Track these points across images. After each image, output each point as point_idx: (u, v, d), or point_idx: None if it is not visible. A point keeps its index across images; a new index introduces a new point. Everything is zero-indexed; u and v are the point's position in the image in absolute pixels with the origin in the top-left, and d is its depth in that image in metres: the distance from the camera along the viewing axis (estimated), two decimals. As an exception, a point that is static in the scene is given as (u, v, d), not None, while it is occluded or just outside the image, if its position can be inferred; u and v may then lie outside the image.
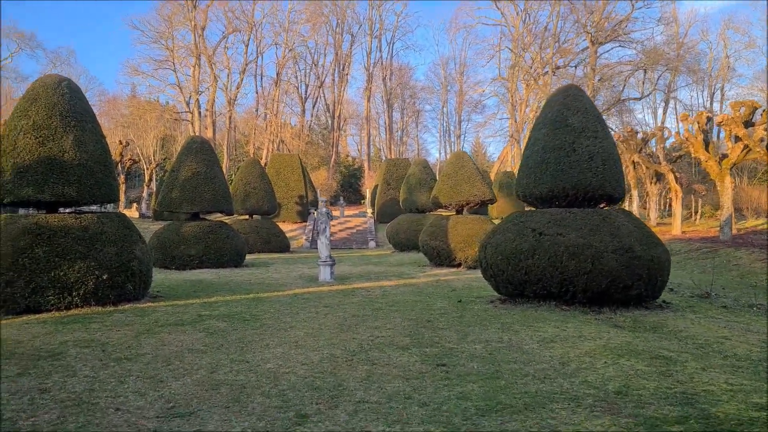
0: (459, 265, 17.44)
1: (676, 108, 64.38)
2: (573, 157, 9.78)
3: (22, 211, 13.57)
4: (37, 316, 8.89)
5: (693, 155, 21.63)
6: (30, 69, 72.35)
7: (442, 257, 17.64)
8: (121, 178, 37.51)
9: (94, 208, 12.94)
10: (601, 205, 10.34)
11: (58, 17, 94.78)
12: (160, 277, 14.89)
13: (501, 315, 8.99)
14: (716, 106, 58.62)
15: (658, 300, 10.05)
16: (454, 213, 20.09)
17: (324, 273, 14.23)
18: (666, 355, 6.38)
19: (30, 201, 9.77)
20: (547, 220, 9.59)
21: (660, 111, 60.25)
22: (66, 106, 10.16)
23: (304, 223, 35.26)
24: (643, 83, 51.51)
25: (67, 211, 10.66)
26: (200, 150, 18.25)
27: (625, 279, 8.99)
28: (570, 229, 9.28)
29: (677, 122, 62.70)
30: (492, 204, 19.12)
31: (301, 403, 4.79)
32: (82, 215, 9.92)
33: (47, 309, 9.11)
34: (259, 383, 5.34)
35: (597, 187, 9.69)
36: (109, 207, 31.69)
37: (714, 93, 60.65)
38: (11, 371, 5.65)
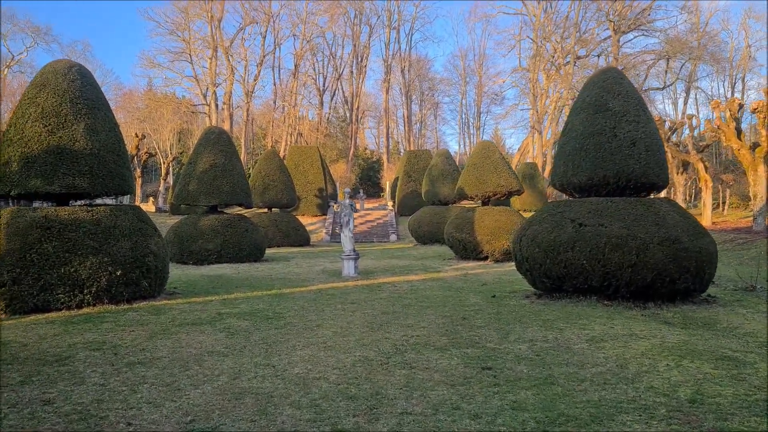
0: (486, 258, 16.79)
1: (696, 98, 62.78)
2: (614, 143, 9.08)
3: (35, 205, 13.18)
4: (45, 315, 8.44)
5: (725, 144, 20.67)
6: (46, 63, 72.81)
7: (468, 250, 17.00)
8: (137, 172, 37.32)
9: (108, 200, 12.51)
10: (642, 194, 9.62)
11: (74, 11, 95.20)
12: (177, 272, 14.46)
13: (540, 311, 8.35)
14: (738, 96, 56.95)
15: (703, 294, 9.33)
16: (479, 204, 19.44)
17: (348, 267, 13.67)
18: (731, 356, 5.72)
19: (39, 193, 9.32)
20: (587, 210, 8.92)
21: (681, 101, 58.77)
22: (77, 92, 9.70)
23: (323, 217, 34.78)
24: (666, 73, 50.08)
25: (79, 203, 10.21)
26: (218, 141, 17.78)
27: (672, 272, 8.30)
28: (612, 220, 8.60)
29: (698, 112, 61.13)
30: (519, 195, 18.42)
31: (337, 415, 4.22)
32: (94, 208, 9.46)
33: (57, 308, 8.66)
34: (288, 391, 4.79)
35: (640, 174, 8.98)
36: (125, 200, 31.50)
37: (735, 83, 58.97)
38: (13, 379, 5.16)
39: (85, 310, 8.76)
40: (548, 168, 46.45)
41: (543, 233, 9.13)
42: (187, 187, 17.35)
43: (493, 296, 9.99)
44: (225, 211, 18.96)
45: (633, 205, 8.67)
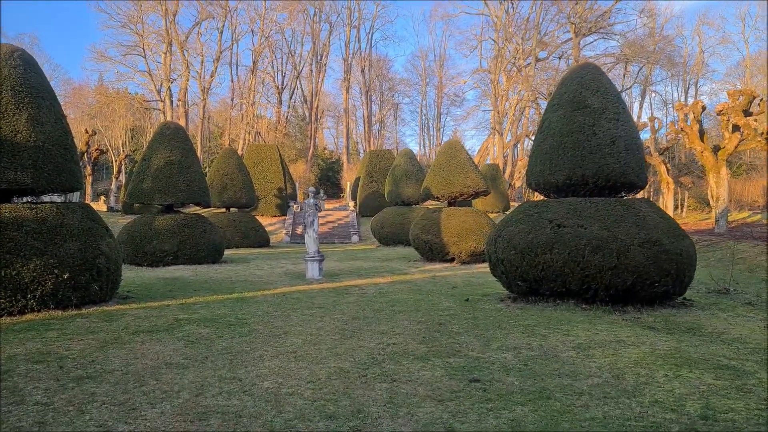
0: (452, 260, 16.51)
1: (651, 102, 64.51)
2: (593, 141, 8.87)
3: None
4: (-15, 322, 7.64)
5: (688, 146, 21.05)
6: (-8, 57, 69.20)
7: (434, 252, 16.69)
8: (88, 170, 35.64)
9: (55, 198, 11.63)
10: (621, 195, 9.46)
11: (21, 2, 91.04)
12: (130, 275, 13.63)
13: (518, 316, 8.04)
14: (690, 101, 58.80)
15: (679, 298, 9.21)
16: (444, 205, 19.18)
17: (312, 269, 13.13)
18: (728, 365, 5.49)
19: (-23, 189, 8.46)
20: (566, 211, 8.67)
21: (636, 105, 60.34)
22: (19, 80, 8.87)
23: (283, 217, 33.97)
24: (624, 76, 51.31)
25: (24, 200, 9.37)
26: (174, 137, 16.93)
27: (653, 275, 8.12)
28: (592, 221, 8.37)
29: (651, 115, 62.81)
30: (486, 195, 18.23)
31: (316, 440, 3.74)
32: (39, 206, 8.66)
33: (-2, 314, 7.86)
34: (258, 410, 4.27)
35: (620, 174, 8.79)
36: (75, 197, 30.00)
37: (688, 88, 60.97)
38: (-63, 400, 4.48)
39: (29, 316, 7.99)
40: (509, 169, 46.89)
41: (520, 234, 8.84)
42: (141, 185, 16.45)
43: (467, 300, 9.65)
44: (181, 210, 18.10)
45: (613, 205, 8.47)
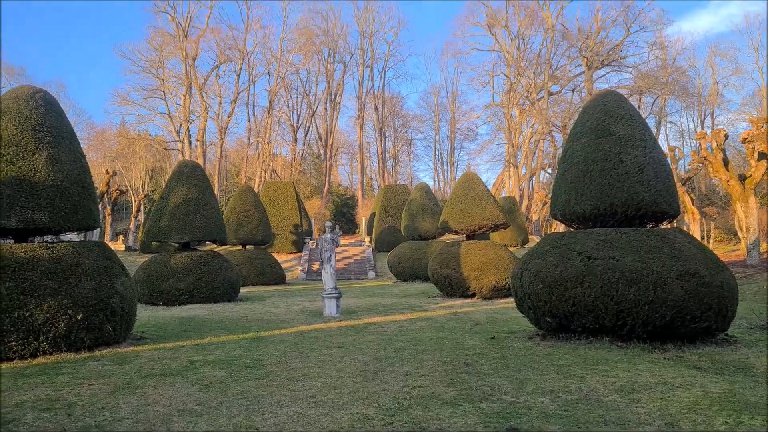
0: (473, 295, 16.07)
1: (667, 133, 64.10)
2: (620, 170, 8.55)
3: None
4: (-5, 366, 7.39)
5: (712, 175, 20.59)
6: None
7: (454, 287, 16.27)
8: (108, 210, 35.93)
9: (74, 236, 11.52)
10: (652, 225, 9.08)
11: (48, 50, 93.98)
12: (145, 314, 13.38)
13: (551, 355, 7.61)
14: (708, 132, 58.26)
15: (721, 334, 8.71)
16: (462, 239, 18.82)
17: (329, 307, 12.79)
18: (786, 408, 5.03)
19: (-7, 228, 8.32)
20: (596, 242, 8.30)
21: (653, 136, 59.69)
22: (39, 119, 8.84)
23: (299, 254, 33.75)
24: (639, 108, 51.11)
25: (43, 239, 9.24)
26: (192, 175, 16.91)
27: (693, 309, 7.68)
28: (624, 252, 7.99)
29: (667, 146, 62.32)
30: (505, 228, 17.86)
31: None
32: (55, 245, 8.50)
33: (9, 357, 7.62)
34: (278, 464, 3.92)
35: (650, 202, 8.43)
36: (95, 235, 30.09)
37: (705, 118, 60.55)
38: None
39: (41, 359, 7.74)
40: (525, 202, 46.49)
41: (547, 268, 8.47)
42: (159, 222, 16.36)
43: (492, 337, 9.23)
44: (198, 248, 17.95)
45: (645, 235, 8.10)
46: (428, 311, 13.50)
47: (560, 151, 46.95)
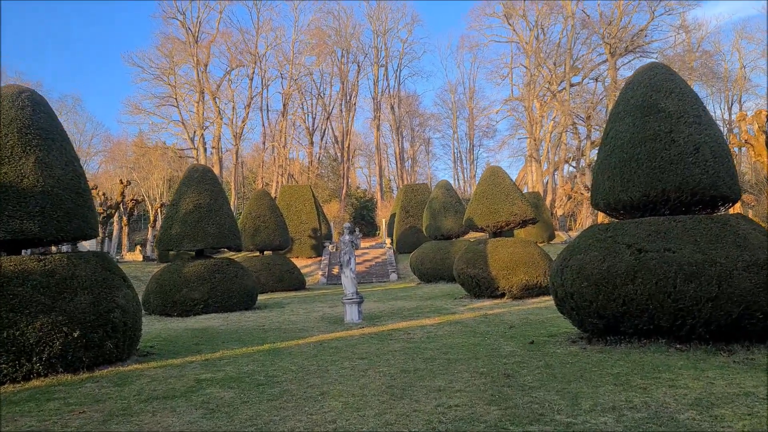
0: (503, 295, 15.12)
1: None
2: (673, 150, 7.59)
3: None
4: (-18, 392, 6.69)
5: (754, 158, 19.34)
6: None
7: (482, 287, 15.34)
8: (124, 220, 35.61)
9: (87, 245, 10.86)
10: (709, 211, 8.09)
11: (63, 63, 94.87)
12: (158, 327, 12.70)
13: (602, 362, 6.68)
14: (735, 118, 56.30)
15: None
16: (487, 237, 17.89)
17: (351, 313, 11.97)
18: None
19: (-21, 241, 7.64)
20: (647, 233, 7.35)
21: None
22: (26, 121, 8.15)
23: (319, 258, 33.03)
24: (663, 95, 49.34)
25: (35, 251, 8.56)
26: (202, 180, 16.22)
27: (764, 304, 6.70)
28: (681, 243, 7.03)
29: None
30: (534, 223, 16.88)
31: None
32: (47, 257, 7.79)
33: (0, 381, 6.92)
34: None
35: (709, 186, 7.46)
36: (93, 245, 29.61)
37: (732, 104, 58.54)
38: None
39: (34, 382, 7.03)
40: (549, 197, 45.24)
41: (592, 263, 7.53)
42: (170, 231, 15.70)
43: (531, 342, 8.31)
44: (213, 256, 17.26)
45: (704, 223, 7.13)
46: (456, 314, 12.61)
47: (584, 143, 45.64)
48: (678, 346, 7.06)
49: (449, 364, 7.07)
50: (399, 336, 9.75)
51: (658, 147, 7.62)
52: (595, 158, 8.55)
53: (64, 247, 28.26)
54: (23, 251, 8.70)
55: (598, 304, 7.46)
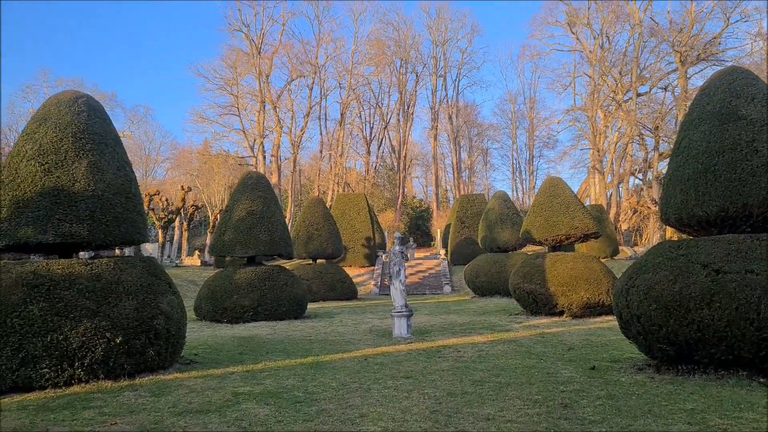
0: (561, 312, 14.33)
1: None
2: (755, 161, 6.83)
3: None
4: (24, 395, 6.69)
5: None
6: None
7: (539, 303, 14.60)
8: (185, 226, 36.56)
9: (126, 250, 10.96)
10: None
11: (136, 75, 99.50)
12: (207, 333, 12.68)
13: (673, 395, 6.00)
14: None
15: None
16: (546, 251, 17.12)
17: (399, 326, 11.56)
18: None
19: (30, 244, 7.70)
20: (725, 252, 6.62)
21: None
22: (81, 126, 8.23)
23: (372, 267, 32.81)
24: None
25: (85, 255, 8.61)
26: (256, 186, 16.25)
27: None
28: (766, 264, 6.27)
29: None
30: (596, 238, 16.00)
31: None
32: (95, 261, 7.79)
33: (41, 385, 6.89)
34: None
35: (798, 201, 6.65)
36: (167, 250, 30.35)
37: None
38: None
39: (74, 388, 6.97)
40: (613, 210, 43.45)
41: (662, 284, 6.85)
42: (223, 237, 15.77)
43: (593, 368, 7.65)
44: (265, 263, 17.25)
45: (794, 243, 6.34)
46: (510, 331, 11.98)
47: (652, 154, 43.60)
48: (762, 379, 6.29)
49: (500, 389, 6.55)
50: (448, 354, 9.26)
51: (738, 157, 6.88)
52: (666, 169, 7.85)
53: (126, 251, 29.21)
54: (80, 254, 8.80)
55: (668, 329, 6.76)
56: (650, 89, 46.07)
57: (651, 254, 7.49)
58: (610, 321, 13.18)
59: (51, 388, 6.92)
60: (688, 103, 41.65)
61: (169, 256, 36.52)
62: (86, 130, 8.25)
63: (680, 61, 40.34)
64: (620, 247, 34.06)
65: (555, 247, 15.79)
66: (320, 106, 59.32)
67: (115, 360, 7.35)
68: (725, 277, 6.40)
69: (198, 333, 12.65)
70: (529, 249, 27.33)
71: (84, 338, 7.10)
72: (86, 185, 7.91)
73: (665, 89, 45.48)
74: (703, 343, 6.55)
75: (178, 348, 8.45)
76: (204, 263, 32.73)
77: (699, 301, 6.48)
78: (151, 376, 7.61)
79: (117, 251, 28.65)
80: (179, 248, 38.75)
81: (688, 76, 42.01)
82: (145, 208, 31.61)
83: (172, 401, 6.30)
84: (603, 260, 28.45)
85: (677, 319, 6.65)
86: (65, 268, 7.46)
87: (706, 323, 6.43)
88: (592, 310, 14.09)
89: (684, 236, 8.21)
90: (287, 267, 17.85)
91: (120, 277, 7.77)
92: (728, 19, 39.89)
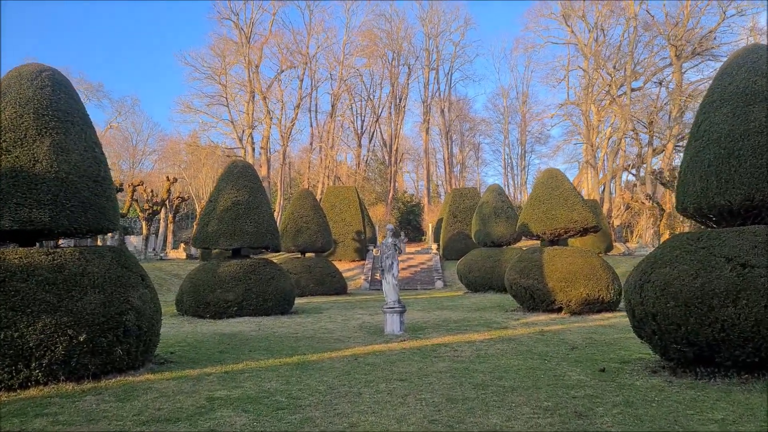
0: (560, 309, 13.75)
1: None
2: (784, 145, 6.22)
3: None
4: (-28, 400, 5.96)
5: None
6: (97, 118, 73.32)
7: (536, 299, 14.02)
8: (170, 217, 35.68)
9: (109, 241, 10.23)
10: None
11: (122, 64, 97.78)
12: (187, 329, 11.97)
13: (696, 402, 5.39)
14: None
15: None
16: (541, 245, 16.55)
17: (391, 323, 10.91)
18: None
19: (-15, 231, 6.96)
20: (752, 244, 6.02)
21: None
22: (44, 101, 7.49)
23: (362, 262, 32.13)
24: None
25: (62, 243, 7.88)
26: (242, 175, 15.51)
27: None
28: (799, 257, 5.68)
29: None
30: (596, 232, 15.43)
31: None
32: (57, 250, 7.06)
33: (-7, 388, 6.18)
34: None
35: (832, 188, 6.06)
36: (141, 242, 29.45)
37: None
38: None
39: (31, 391, 6.27)
40: (606, 206, 43.02)
41: (681, 279, 6.25)
42: (206, 228, 15.03)
43: (602, 370, 7.04)
44: (251, 255, 16.53)
45: (830, 234, 5.75)
46: (508, 329, 11.37)
47: (645, 150, 43.18)
48: (792, 385, 5.70)
49: (505, 394, 5.92)
50: (444, 353, 8.63)
51: (765, 141, 6.27)
52: (683, 155, 7.26)
53: (109, 241, 28.30)
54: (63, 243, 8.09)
55: (687, 328, 6.16)
56: (644, 84, 45.63)
57: (667, 247, 6.88)
58: (611, 318, 12.63)
59: (4, 391, 6.23)
60: (684, 98, 41.46)
61: (154, 249, 35.64)
62: (50, 107, 7.51)
63: (675, 55, 39.86)
64: (614, 243, 33.63)
65: (552, 242, 15.20)
66: (311, 98, 58.50)
67: (77, 360, 6.64)
68: (753, 271, 5.81)
69: (177, 329, 11.93)
70: (523, 244, 26.82)
71: (43, 335, 6.39)
72: (48, 166, 7.18)
73: (660, 83, 45.06)
74: (726, 343, 5.95)
75: (151, 346, 7.75)
76: (190, 256, 31.91)
77: (723, 298, 5.88)
78: (118, 378, 6.91)
79: (99, 242, 27.76)
80: (165, 241, 37.87)
81: (683, 70, 41.60)
82: (129, 199, 30.70)
83: (139, 407, 5.61)
84: (597, 256, 27.98)
85: (698, 317, 6.04)
86: (23, 258, 6.74)
87: (731, 322, 5.83)
88: (592, 306, 13.52)
89: (682, 229, 7.60)
90: (275, 260, 17.15)
91: (86, 268, 7.06)
92: (724, 13, 39.48)
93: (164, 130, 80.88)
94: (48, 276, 6.72)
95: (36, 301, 6.50)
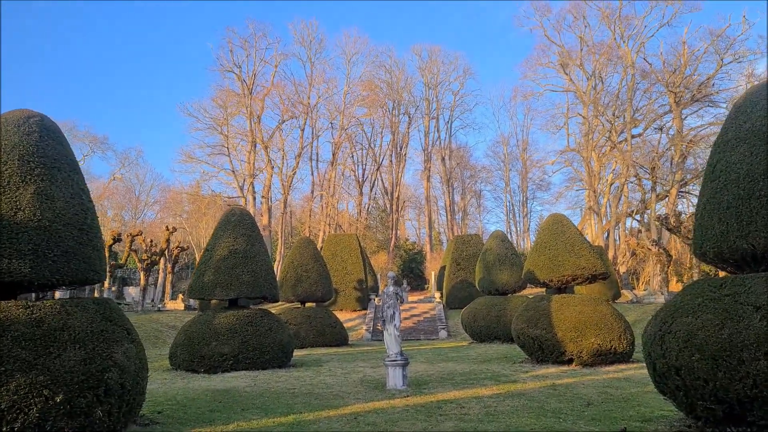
0: (570, 361, 13.12)
1: None
2: (809, 185, 5.86)
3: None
4: (-69, 471, 5.41)
5: None
6: (101, 170, 74.18)
7: (545, 350, 13.41)
8: (168, 268, 35.20)
9: (105, 293, 9.78)
10: None
11: (128, 118, 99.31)
12: (178, 385, 11.37)
13: (734, 469, 4.84)
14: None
15: None
16: (548, 293, 16.02)
17: (394, 377, 10.33)
18: None
19: (-40, 283, 6.55)
20: (781, 291, 5.57)
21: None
22: (30, 148, 7.21)
23: (363, 312, 31.44)
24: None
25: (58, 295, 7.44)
26: (239, 224, 15.17)
27: None
28: (835, 305, 5.23)
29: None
30: (605, 279, 14.93)
31: None
32: (36, 303, 6.63)
33: (-44, 457, 5.64)
34: None
35: None
36: (139, 294, 28.77)
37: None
38: None
39: (0, 459, 5.71)
40: (610, 252, 42.47)
41: (705, 329, 5.78)
42: (202, 278, 14.57)
43: (623, 430, 6.48)
44: (249, 306, 16.00)
45: None
46: (518, 382, 10.77)
47: (649, 195, 42.95)
48: (836, 448, 5.15)
49: (518, 459, 5.36)
50: (450, 410, 8.05)
51: (790, 180, 5.91)
52: (698, 197, 6.89)
53: (106, 292, 27.75)
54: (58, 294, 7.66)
55: (716, 384, 5.65)
56: (644, 130, 45.86)
57: (687, 294, 6.43)
58: (626, 370, 12.01)
59: (-31, 459, 5.67)
60: (685, 144, 41.50)
61: (152, 300, 35.01)
62: (36, 153, 7.22)
63: (675, 101, 40.15)
64: (621, 291, 32.97)
65: (560, 289, 14.70)
66: (312, 147, 58.91)
67: (53, 423, 6.10)
68: (785, 321, 5.34)
69: (169, 385, 11.34)
70: (529, 291, 26.25)
71: (16, 397, 5.88)
72: (31, 215, 6.82)
73: (660, 129, 45.25)
74: (760, 400, 5.43)
75: (135, 406, 7.20)
76: (188, 307, 31.26)
77: (754, 351, 5.39)
78: (96, 443, 6.35)
79: (96, 292, 27.20)
80: (163, 291, 37.28)
81: (683, 116, 41.81)
82: (127, 249, 30.31)
83: (113, 478, 5.06)
84: (605, 303, 27.30)
85: (727, 371, 5.55)
86: (-1, 312, 6.30)
87: (764, 377, 5.33)
88: (604, 357, 12.89)
89: (690, 275, 7.15)
90: (274, 311, 16.62)
91: (66, 323, 6.60)
92: (721, 60, 39.97)
93: (167, 181, 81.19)
94: (25, 331, 6.26)
95: (11, 358, 6.02)
